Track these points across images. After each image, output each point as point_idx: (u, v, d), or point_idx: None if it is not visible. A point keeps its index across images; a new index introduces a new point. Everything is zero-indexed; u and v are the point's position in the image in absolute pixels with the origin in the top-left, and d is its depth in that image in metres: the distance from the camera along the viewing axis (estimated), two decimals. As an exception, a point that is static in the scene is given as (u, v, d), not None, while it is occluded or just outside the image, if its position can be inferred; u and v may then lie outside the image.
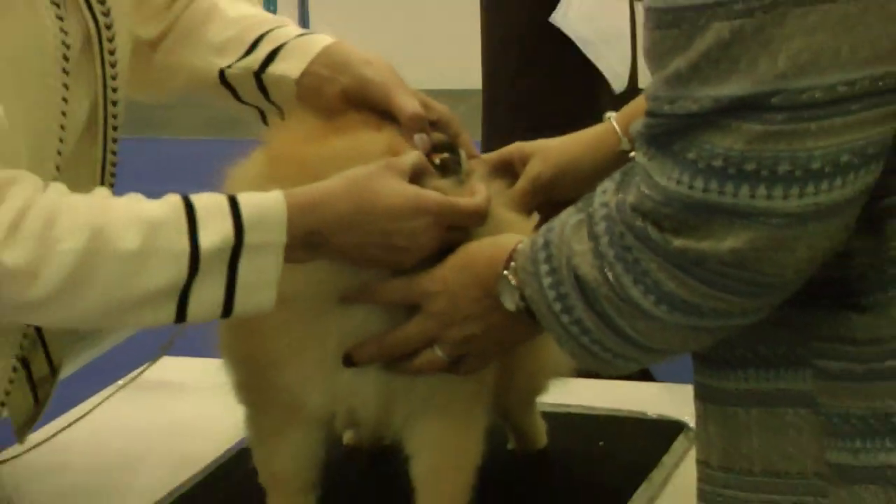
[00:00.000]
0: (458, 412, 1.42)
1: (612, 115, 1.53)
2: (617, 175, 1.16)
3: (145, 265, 1.30)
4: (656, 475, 1.56)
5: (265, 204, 1.34)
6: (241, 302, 1.32)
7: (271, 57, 1.59)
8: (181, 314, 1.32)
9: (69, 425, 1.76)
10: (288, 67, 1.58)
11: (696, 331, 1.13)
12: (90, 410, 1.79)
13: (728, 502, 1.19)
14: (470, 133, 1.51)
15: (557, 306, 1.20)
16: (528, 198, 1.53)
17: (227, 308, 1.32)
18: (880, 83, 1.00)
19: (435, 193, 1.36)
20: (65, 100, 1.48)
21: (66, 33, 1.47)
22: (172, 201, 1.33)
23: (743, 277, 1.06)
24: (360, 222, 1.34)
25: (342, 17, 7.40)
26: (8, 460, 1.68)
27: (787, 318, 1.12)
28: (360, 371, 1.37)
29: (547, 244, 1.22)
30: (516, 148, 1.55)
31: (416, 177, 1.37)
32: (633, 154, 1.28)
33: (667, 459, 1.59)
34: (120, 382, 1.87)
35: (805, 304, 1.11)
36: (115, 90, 1.57)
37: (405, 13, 7.49)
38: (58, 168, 1.47)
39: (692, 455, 1.57)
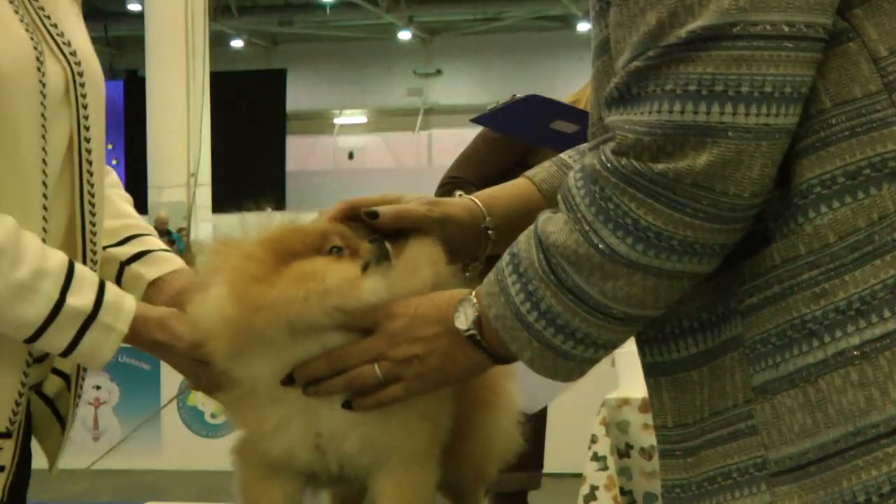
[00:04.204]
0: (415, 463, 1.61)
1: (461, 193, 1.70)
2: (582, 147, 1.39)
3: (23, 297, 1.64)
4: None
5: (124, 299, 1.72)
6: (76, 358, 1.70)
7: (137, 257, 1.95)
8: (31, 341, 1.67)
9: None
10: (147, 271, 1.95)
11: (661, 278, 1.30)
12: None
13: (684, 452, 1.38)
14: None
15: (526, 306, 1.37)
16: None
17: (65, 355, 1.69)
18: (811, 30, 1.24)
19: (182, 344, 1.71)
20: (44, 127, 1.73)
21: (42, 73, 1.72)
22: (61, 260, 1.67)
23: (710, 199, 1.25)
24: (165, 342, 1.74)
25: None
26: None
27: (722, 282, 1.33)
28: (338, 435, 1.56)
29: (513, 256, 1.39)
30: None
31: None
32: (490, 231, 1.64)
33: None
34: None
35: (733, 261, 1.32)
36: (87, 128, 1.81)
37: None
38: (45, 196, 1.73)
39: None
